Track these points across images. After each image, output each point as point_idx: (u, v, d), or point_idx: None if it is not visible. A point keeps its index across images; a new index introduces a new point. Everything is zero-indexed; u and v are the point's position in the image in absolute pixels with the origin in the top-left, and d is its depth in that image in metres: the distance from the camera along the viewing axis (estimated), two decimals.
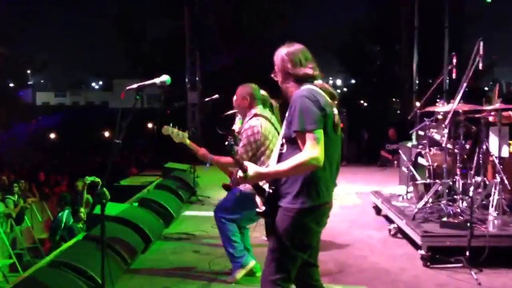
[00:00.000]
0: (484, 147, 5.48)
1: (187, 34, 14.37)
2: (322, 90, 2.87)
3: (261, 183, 2.94)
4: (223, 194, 5.11)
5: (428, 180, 5.85)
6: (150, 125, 26.58)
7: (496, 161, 5.31)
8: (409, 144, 7.69)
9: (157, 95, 33.11)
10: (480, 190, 5.55)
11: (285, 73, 2.94)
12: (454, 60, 6.57)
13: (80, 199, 8.28)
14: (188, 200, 8.24)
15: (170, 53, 22.72)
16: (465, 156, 5.82)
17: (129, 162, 17.40)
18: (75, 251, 4.84)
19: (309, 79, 2.90)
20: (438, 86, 7.74)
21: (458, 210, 5.36)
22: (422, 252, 4.96)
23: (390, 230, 6.10)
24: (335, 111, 2.89)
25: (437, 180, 5.72)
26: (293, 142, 2.81)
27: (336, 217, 6.36)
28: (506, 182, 5.28)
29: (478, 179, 5.54)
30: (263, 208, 2.93)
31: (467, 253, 4.77)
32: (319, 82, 2.92)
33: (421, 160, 6.29)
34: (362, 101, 27.90)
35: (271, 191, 2.90)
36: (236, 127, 5.82)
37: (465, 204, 5.43)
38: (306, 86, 2.86)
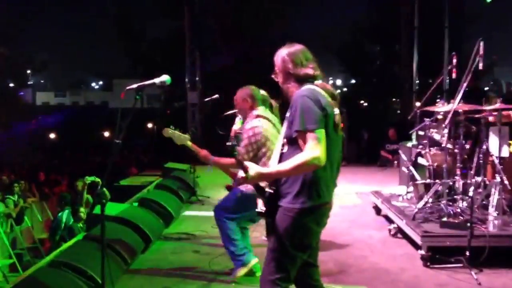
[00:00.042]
0: (484, 147, 5.48)
1: (187, 34, 14.37)
2: (323, 90, 2.87)
3: (262, 184, 2.94)
4: (223, 194, 5.11)
5: (428, 180, 5.85)
6: (150, 125, 26.61)
7: (496, 161, 5.31)
8: (409, 144, 7.69)
9: (157, 95, 33.13)
10: (480, 190, 5.55)
11: (286, 74, 2.95)
12: (454, 60, 6.57)
13: (80, 199, 8.27)
14: (188, 200, 8.24)
15: (170, 53, 22.70)
16: (465, 156, 5.82)
17: (129, 162, 17.41)
18: (75, 251, 4.84)
19: (310, 79, 2.91)
20: (438, 86, 7.74)
21: (458, 210, 5.36)
22: (422, 252, 4.96)
23: (390, 230, 6.10)
24: (336, 111, 2.89)
25: (437, 180, 5.72)
26: (294, 142, 2.81)
27: (336, 217, 6.36)
28: (506, 182, 5.27)
29: (478, 179, 5.53)
30: (264, 208, 2.94)
31: (467, 253, 4.76)
32: (319, 82, 2.92)
33: (421, 160, 6.29)
34: (362, 101, 27.88)
35: (271, 191, 2.90)
36: (236, 127, 5.83)
37: (465, 204, 5.43)
38: (307, 86, 2.86)
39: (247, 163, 2.80)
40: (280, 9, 22.07)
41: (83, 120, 32.46)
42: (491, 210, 5.20)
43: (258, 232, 5.69)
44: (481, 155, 5.52)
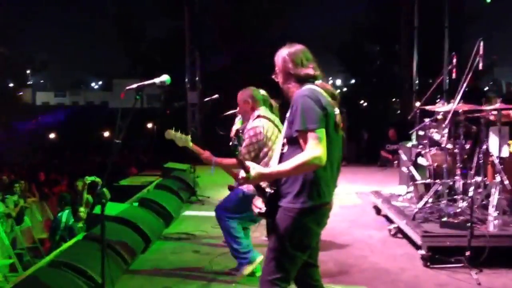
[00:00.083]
0: (484, 147, 5.48)
1: (187, 34, 14.36)
2: (323, 90, 2.87)
3: (263, 184, 2.93)
4: (223, 194, 5.11)
5: (428, 180, 5.86)
6: (150, 125, 26.60)
7: (496, 161, 5.31)
8: (409, 144, 7.69)
9: (157, 95, 33.13)
10: (480, 190, 5.55)
11: (287, 74, 2.95)
12: (454, 60, 6.57)
13: (80, 199, 8.26)
14: (188, 200, 8.25)
15: (169, 53, 22.71)
16: (465, 156, 5.82)
17: (129, 162, 17.40)
18: (75, 251, 4.84)
19: (310, 79, 2.91)
20: (438, 86, 7.74)
21: (458, 210, 5.37)
22: (422, 252, 4.96)
23: (390, 230, 6.10)
24: (336, 111, 2.89)
25: (437, 180, 5.72)
26: (294, 142, 2.82)
27: (336, 217, 6.36)
28: (506, 182, 5.27)
29: (478, 179, 5.53)
30: (264, 208, 2.94)
31: (467, 253, 4.77)
32: (319, 82, 2.92)
33: (421, 160, 6.29)
34: (362, 101, 27.89)
35: (272, 191, 2.90)
36: (236, 127, 5.82)
37: (465, 204, 5.43)
38: (308, 86, 2.87)
39: (248, 163, 2.80)
40: (280, 9, 22.07)
41: (83, 120, 32.47)
42: (491, 210, 5.19)
43: (258, 232, 5.68)
44: (481, 155, 5.52)
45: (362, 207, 7.75)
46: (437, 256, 4.90)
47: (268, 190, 2.91)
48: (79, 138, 26.82)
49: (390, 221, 6.26)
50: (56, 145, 26.91)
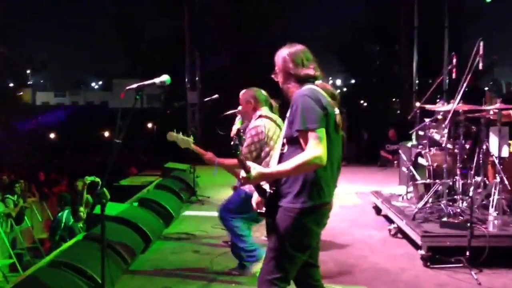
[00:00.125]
0: (484, 147, 5.48)
1: (187, 34, 14.38)
2: (323, 90, 2.87)
3: (264, 185, 2.93)
4: (223, 194, 5.11)
5: (428, 180, 5.85)
6: (150, 125, 26.62)
7: (496, 161, 5.31)
8: (409, 144, 7.69)
9: (157, 95, 33.12)
10: (480, 190, 5.55)
11: (287, 74, 2.95)
12: (454, 60, 6.56)
13: (80, 199, 8.26)
14: (188, 200, 8.24)
15: (169, 53, 22.71)
16: (465, 156, 5.82)
17: (129, 162, 17.40)
18: (75, 251, 4.84)
19: (311, 79, 2.91)
20: (438, 86, 7.74)
21: (458, 210, 5.36)
22: (422, 252, 4.95)
23: (390, 230, 6.10)
24: (337, 111, 2.89)
25: (437, 180, 5.72)
26: (294, 142, 2.81)
27: (336, 217, 6.36)
28: (506, 182, 5.27)
29: (478, 179, 5.54)
30: (264, 208, 2.93)
31: (467, 253, 4.77)
32: (319, 82, 2.92)
33: (421, 160, 6.29)
34: (362, 101, 27.89)
35: (272, 191, 2.90)
36: (236, 127, 5.82)
37: (465, 204, 5.43)
38: (308, 86, 2.86)
39: (249, 163, 2.80)
40: (280, 9, 22.07)
41: (83, 120, 32.47)
42: (491, 210, 5.20)
43: (258, 232, 5.68)
44: (481, 155, 5.52)
45: (362, 207, 7.75)
46: (437, 256, 4.90)
47: (268, 190, 2.91)
48: (79, 138, 26.85)
49: (390, 221, 6.26)
50: (56, 145, 26.95)
